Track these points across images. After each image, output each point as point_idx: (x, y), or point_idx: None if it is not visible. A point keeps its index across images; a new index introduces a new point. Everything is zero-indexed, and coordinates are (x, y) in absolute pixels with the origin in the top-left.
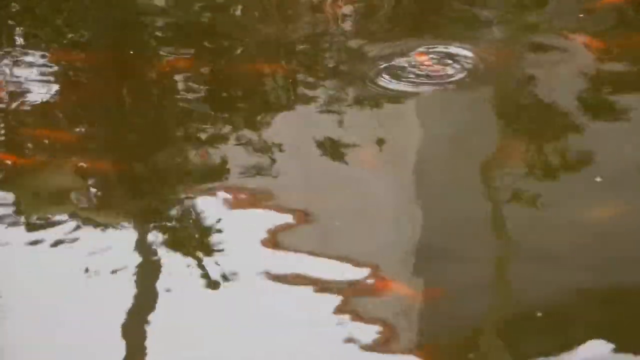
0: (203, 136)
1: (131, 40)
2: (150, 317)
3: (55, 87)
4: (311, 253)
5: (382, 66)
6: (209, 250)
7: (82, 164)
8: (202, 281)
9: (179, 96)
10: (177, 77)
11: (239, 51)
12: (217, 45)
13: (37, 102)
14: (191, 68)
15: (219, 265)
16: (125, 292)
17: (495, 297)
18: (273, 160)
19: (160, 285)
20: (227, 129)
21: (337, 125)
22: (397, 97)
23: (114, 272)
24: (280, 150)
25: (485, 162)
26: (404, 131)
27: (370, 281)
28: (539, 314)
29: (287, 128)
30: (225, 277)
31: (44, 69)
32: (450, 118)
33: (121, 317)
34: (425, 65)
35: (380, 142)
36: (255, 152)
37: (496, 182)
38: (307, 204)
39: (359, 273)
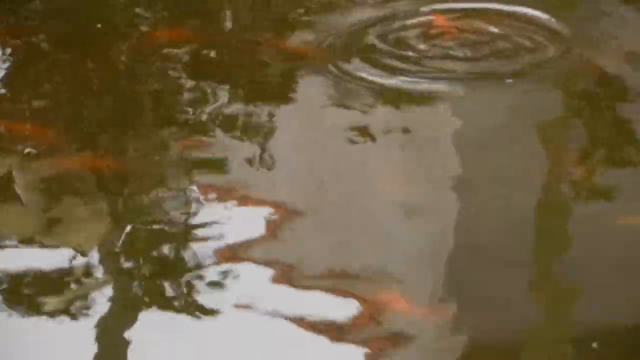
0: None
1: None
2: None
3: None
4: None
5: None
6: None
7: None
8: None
9: (156, 76)
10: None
11: (230, 21)
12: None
13: None
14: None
15: (217, 267)
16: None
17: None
18: (270, 155)
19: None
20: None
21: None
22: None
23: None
24: (278, 145)
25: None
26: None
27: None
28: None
29: (286, 119)
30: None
31: None
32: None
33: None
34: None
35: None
36: (248, 145)
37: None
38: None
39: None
